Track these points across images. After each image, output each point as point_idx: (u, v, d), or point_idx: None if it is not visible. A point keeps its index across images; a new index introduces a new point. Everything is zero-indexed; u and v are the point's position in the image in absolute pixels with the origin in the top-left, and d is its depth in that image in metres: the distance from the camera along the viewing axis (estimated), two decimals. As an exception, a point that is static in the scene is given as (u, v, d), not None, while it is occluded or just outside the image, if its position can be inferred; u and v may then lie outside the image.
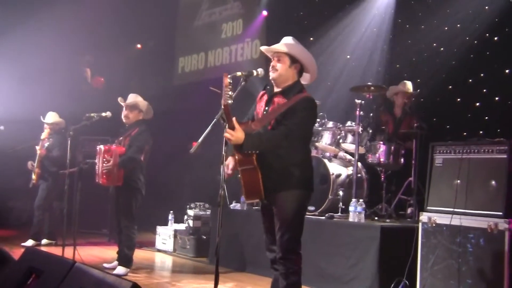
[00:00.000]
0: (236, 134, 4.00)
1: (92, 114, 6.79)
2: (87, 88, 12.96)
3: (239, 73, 4.21)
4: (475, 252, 4.85)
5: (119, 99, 7.00)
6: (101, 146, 6.72)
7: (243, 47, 10.99)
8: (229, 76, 3.97)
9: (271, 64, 4.41)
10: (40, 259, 4.12)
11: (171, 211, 9.13)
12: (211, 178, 9.62)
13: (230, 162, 4.31)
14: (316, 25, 9.60)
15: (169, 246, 8.69)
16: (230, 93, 3.89)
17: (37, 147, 8.74)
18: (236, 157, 4.20)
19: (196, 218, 8.48)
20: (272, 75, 4.38)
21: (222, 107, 3.91)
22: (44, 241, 8.76)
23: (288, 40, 4.47)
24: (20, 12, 11.02)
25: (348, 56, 9.44)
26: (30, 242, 8.50)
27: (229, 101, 3.90)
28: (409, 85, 7.49)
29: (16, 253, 5.74)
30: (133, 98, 7.03)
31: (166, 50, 13.08)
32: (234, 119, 4.02)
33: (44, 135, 8.77)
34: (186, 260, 8.14)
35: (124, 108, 6.96)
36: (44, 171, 8.75)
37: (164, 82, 12.92)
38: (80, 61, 13.31)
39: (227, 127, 4.00)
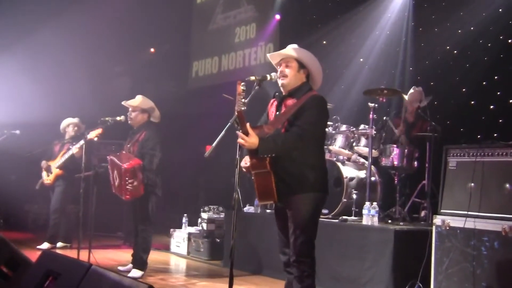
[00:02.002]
0: (250, 140, 4.01)
1: (106, 118, 6.83)
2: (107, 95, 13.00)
3: (252, 78, 4.24)
4: (490, 255, 4.83)
5: (124, 102, 7.02)
6: (118, 163, 6.56)
7: (256, 51, 11.03)
8: (242, 83, 3.99)
9: (280, 70, 4.44)
10: (57, 262, 4.16)
11: (185, 214, 9.17)
12: (225, 181, 9.65)
13: (247, 160, 4.34)
14: (329, 28, 9.62)
15: (183, 249, 8.74)
16: (243, 100, 3.92)
17: (74, 147, 8.55)
18: (250, 161, 4.22)
19: (210, 221, 8.51)
20: (281, 81, 4.40)
21: (236, 113, 3.94)
22: (59, 244, 8.81)
23: (294, 46, 4.52)
24: (38, 17, 11.13)
25: (362, 59, 9.44)
26: (45, 245, 8.57)
27: (243, 108, 3.92)
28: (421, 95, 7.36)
29: (33, 256, 5.79)
30: (137, 99, 7.02)
31: (180, 54, 13.14)
32: (248, 124, 4.03)
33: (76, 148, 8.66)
34: (200, 263, 8.17)
35: (129, 111, 6.98)
36: (66, 173, 8.73)
37: (178, 86, 12.99)
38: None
39: (241, 131, 4.02)
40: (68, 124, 9.00)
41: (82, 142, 8.54)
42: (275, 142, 4.16)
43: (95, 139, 7.76)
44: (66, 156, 8.66)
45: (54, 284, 3.95)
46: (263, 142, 4.07)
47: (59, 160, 8.72)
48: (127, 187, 6.47)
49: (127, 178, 6.44)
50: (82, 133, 8.76)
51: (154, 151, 6.70)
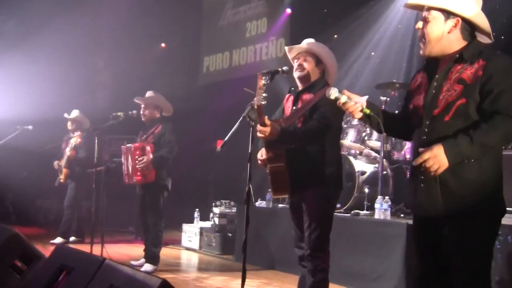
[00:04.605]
0: (269, 130, 4.03)
1: (118, 113, 6.85)
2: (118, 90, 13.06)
3: (264, 71, 4.24)
4: (503, 249, 4.81)
5: (136, 98, 7.05)
6: (130, 145, 6.77)
7: (267, 46, 11.00)
8: (263, 77, 3.99)
9: (298, 62, 4.44)
10: (71, 257, 4.18)
11: (197, 209, 9.19)
12: (236, 176, 9.66)
13: (263, 153, 4.35)
14: (340, 22, 9.58)
15: (195, 244, 8.76)
16: (264, 94, 3.92)
17: (67, 149, 8.80)
18: (267, 155, 4.24)
19: (221, 215, 8.53)
20: (298, 73, 4.41)
21: (255, 107, 3.94)
22: (72, 238, 8.87)
23: (312, 40, 4.52)
24: (50, 13, 11.16)
25: (373, 53, 9.40)
26: (58, 240, 8.62)
27: (262, 102, 3.92)
28: None
29: (46, 250, 5.82)
30: (149, 94, 7.08)
31: (190, 49, 13.14)
32: (265, 117, 4.06)
33: (74, 138, 8.79)
34: (212, 257, 8.19)
35: (142, 107, 7.02)
36: (72, 172, 8.85)
37: (189, 82, 12.99)
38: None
39: (259, 124, 4.03)
40: (67, 120, 9.06)
41: (72, 143, 8.66)
42: (295, 132, 4.21)
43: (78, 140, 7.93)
44: (65, 156, 8.76)
45: (67, 278, 3.97)
46: (284, 132, 4.11)
47: (64, 159, 8.81)
48: (138, 166, 6.56)
49: (137, 157, 6.59)
50: (87, 129, 8.83)
51: (172, 143, 6.79)
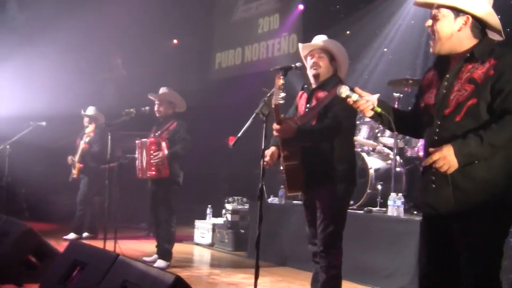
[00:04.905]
0: (285, 127, 4.06)
1: (131, 110, 6.86)
2: (123, 83, 13.11)
3: (277, 67, 4.23)
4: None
5: (150, 94, 7.07)
6: (145, 139, 6.79)
7: (280, 42, 10.98)
8: (282, 76, 3.98)
9: (313, 60, 4.43)
10: (84, 252, 4.21)
11: (209, 205, 9.20)
12: (249, 172, 9.66)
13: (271, 151, 4.36)
14: (353, 18, 9.55)
15: (208, 240, 8.77)
16: (282, 94, 3.92)
17: (82, 142, 8.88)
18: (283, 153, 4.24)
19: (234, 212, 8.53)
20: (314, 71, 4.40)
21: (273, 106, 3.94)
22: (85, 234, 8.91)
23: (324, 37, 4.52)
24: (61, 8, 11.20)
25: (385, 49, 9.36)
26: (71, 235, 8.67)
27: (280, 102, 3.92)
28: None
29: (59, 246, 5.85)
30: (163, 91, 7.09)
31: (202, 45, 13.14)
32: (282, 116, 4.10)
33: (89, 130, 8.90)
34: (225, 254, 8.20)
35: (156, 103, 7.03)
36: (86, 166, 8.91)
37: (201, 78, 12.99)
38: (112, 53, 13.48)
39: (275, 122, 4.05)
40: (84, 117, 9.12)
41: (85, 137, 8.72)
42: (312, 129, 4.24)
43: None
44: (79, 151, 8.81)
45: (81, 274, 3.99)
46: (301, 130, 4.14)
47: (78, 154, 8.87)
48: (152, 160, 6.58)
49: (152, 151, 6.60)
50: (101, 124, 8.89)
51: (187, 140, 6.81)
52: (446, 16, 3.03)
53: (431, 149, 2.90)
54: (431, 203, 3.06)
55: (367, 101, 3.24)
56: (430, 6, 3.14)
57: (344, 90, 3.29)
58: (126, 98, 10.90)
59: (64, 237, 8.56)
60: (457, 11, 3.02)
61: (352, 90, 3.29)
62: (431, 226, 3.14)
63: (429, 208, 3.09)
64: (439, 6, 3.06)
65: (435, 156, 2.85)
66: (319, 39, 4.49)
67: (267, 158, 4.29)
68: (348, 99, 3.28)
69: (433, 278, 3.12)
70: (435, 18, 3.06)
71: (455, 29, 3.02)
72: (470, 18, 3.02)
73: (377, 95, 3.28)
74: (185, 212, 9.03)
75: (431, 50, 3.14)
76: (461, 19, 3.01)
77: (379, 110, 3.23)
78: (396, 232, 5.92)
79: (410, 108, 3.60)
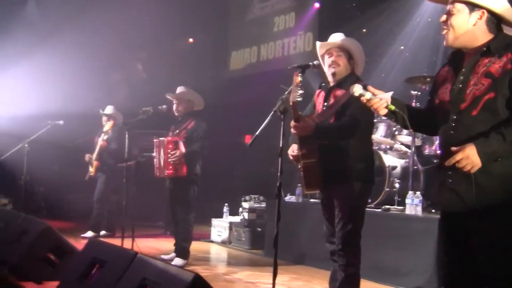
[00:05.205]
0: (303, 125, 4.07)
1: (148, 108, 6.88)
2: (139, 82, 13.16)
3: (295, 65, 4.22)
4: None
5: (167, 94, 7.08)
6: (163, 138, 6.81)
7: (295, 40, 10.97)
8: (299, 74, 3.98)
9: (332, 59, 4.41)
10: (103, 250, 4.23)
11: (226, 204, 9.21)
12: (265, 170, 9.65)
13: (294, 148, 4.36)
14: (369, 16, 9.51)
15: (224, 238, 8.79)
16: (300, 92, 3.91)
17: (99, 139, 8.92)
18: (300, 151, 4.23)
19: (251, 210, 8.54)
20: (333, 70, 4.40)
21: (291, 104, 3.95)
22: (102, 232, 8.96)
23: (341, 35, 4.51)
24: (78, 6, 11.26)
25: (402, 47, 9.31)
26: (89, 233, 8.72)
27: (298, 99, 3.92)
28: None
29: (76, 244, 5.88)
30: (180, 90, 7.09)
31: (218, 44, 13.16)
32: (300, 114, 4.11)
33: (107, 127, 8.94)
34: (241, 252, 8.21)
35: (174, 102, 7.04)
36: (103, 164, 8.96)
37: (217, 76, 13.01)
38: (133, 57, 13.53)
39: (293, 120, 4.05)
40: (102, 116, 9.16)
41: (103, 135, 8.77)
42: (330, 127, 4.25)
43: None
44: (97, 148, 8.86)
45: (100, 271, 4.01)
46: (319, 128, 4.14)
47: (95, 151, 8.91)
48: (170, 159, 6.60)
49: (169, 150, 6.63)
50: (119, 122, 8.93)
51: (204, 139, 6.83)
52: (461, 11, 3.01)
53: (453, 148, 2.87)
54: (450, 201, 3.03)
55: (381, 99, 3.23)
56: (444, 1, 3.13)
57: (357, 89, 3.28)
58: (141, 97, 10.93)
59: (82, 235, 8.62)
60: (472, 6, 3.00)
61: (365, 88, 3.27)
62: (450, 224, 3.12)
63: (448, 206, 3.07)
64: (454, 1, 3.04)
65: (458, 156, 2.83)
66: (337, 38, 4.48)
67: (294, 153, 4.29)
68: (362, 98, 3.27)
69: (455, 276, 3.11)
70: (449, 13, 3.05)
71: (470, 24, 3.00)
72: (486, 13, 3.00)
73: (390, 93, 3.26)
74: (202, 210, 9.05)
75: (444, 43, 3.13)
76: (476, 13, 3.00)
77: (393, 108, 3.21)
78: (414, 231, 5.89)
79: (424, 105, 3.59)
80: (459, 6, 3.03)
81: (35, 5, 11.91)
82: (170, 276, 3.24)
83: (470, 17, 3.00)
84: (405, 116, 3.24)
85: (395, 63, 9.21)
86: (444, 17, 3.08)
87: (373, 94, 3.24)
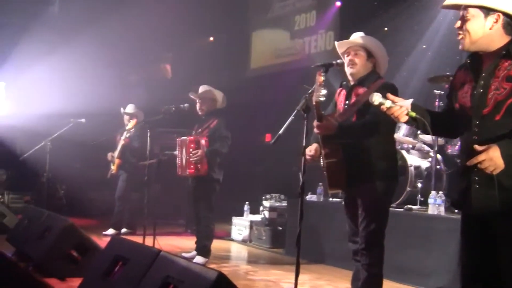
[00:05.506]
0: (326, 124, 4.06)
1: (170, 106, 6.90)
2: (167, 84, 13.23)
3: (318, 64, 4.21)
4: None
5: (190, 93, 7.09)
6: (185, 137, 6.84)
7: (316, 39, 10.92)
8: (322, 73, 3.97)
9: (349, 58, 4.40)
10: (126, 248, 4.25)
11: (247, 202, 9.21)
12: (286, 169, 9.64)
13: (314, 147, 4.35)
14: (391, 15, 9.43)
15: (245, 237, 8.79)
16: (323, 91, 3.91)
17: (122, 138, 8.96)
18: (323, 150, 4.22)
19: (272, 209, 8.53)
20: (350, 70, 4.38)
21: (314, 103, 3.94)
22: (123, 230, 9.00)
23: (361, 34, 4.50)
24: (101, 8, 11.34)
25: (424, 46, 9.24)
26: (111, 231, 8.77)
27: (321, 99, 3.92)
28: None
29: (99, 241, 5.92)
30: (203, 89, 7.10)
31: (238, 42, 13.15)
32: (323, 113, 4.10)
33: (130, 125, 8.98)
34: (262, 250, 8.21)
35: (197, 101, 7.05)
36: (125, 162, 9.00)
37: (237, 75, 13.01)
38: (161, 58, 13.61)
39: (316, 120, 4.04)
40: (123, 114, 9.21)
41: (125, 133, 8.81)
42: (353, 126, 4.23)
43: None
44: (119, 146, 8.91)
45: (123, 269, 4.03)
46: (342, 127, 4.13)
47: (117, 149, 8.96)
48: (192, 158, 6.62)
49: (191, 149, 6.64)
50: (140, 121, 8.96)
51: (226, 138, 6.83)
52: (475, 16, 2.98)
53: (476, 147, 2.85)
54: (475, 203, 3.00)
55: (401, 107, 3.21)
56: (457, 8, 3.10)
57: (376, 98, 3.26)
58: (162, 96, 10.97)
59: (104, 232, 8.67)
60: (487, 10, 2.97)
61: (384, 97, 3.25)
62: (472, 227, 3.09)
63: (472, 209, 3.04)
64: (467, 7, 3.01)
65: (481, 157, 2.81)
66: (355, 36, 4.47)
67: (311, 153, 4.27)
68: (382, 107, 3.25)
69: (476, 279, 3.08)
70: (464, 19, 3.02)
71: (486, 28, 2.97)
72: (501, 16, 2.96)
73: (410, 100, 3.24)
74: (223, 209, 9.07)
75: (460, 47, 3.09)
76: (492, 17, 2.96)
77: (413, 114, 3.20)
78: (436, 231, 5.85)
79: (442, 109, 3.56)
80: (473, 11, 3.00)
81: (58, 5, 12.01)
82: (193, 274, 3.24)
83: (486, 21, 2.97)
84: (426, 122, 3.23)
85: (417, 62, 9.14)
86: (458, 23, 3.05)
87: (393, 102, 3.22)
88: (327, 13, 10.78)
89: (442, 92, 6.78)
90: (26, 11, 11.68)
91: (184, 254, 6.98)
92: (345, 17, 10.29)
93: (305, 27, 11.36)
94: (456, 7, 3.10)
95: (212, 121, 6.92)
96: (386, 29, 9.48)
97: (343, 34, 4.48)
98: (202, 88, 7.08)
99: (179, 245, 8.13)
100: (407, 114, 3.20)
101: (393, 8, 9.45)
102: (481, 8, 2.98)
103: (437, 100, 6.74)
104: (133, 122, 8.97)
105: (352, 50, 4.42)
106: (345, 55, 4.46)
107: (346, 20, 10.15)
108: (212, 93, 7.06)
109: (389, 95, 3.25)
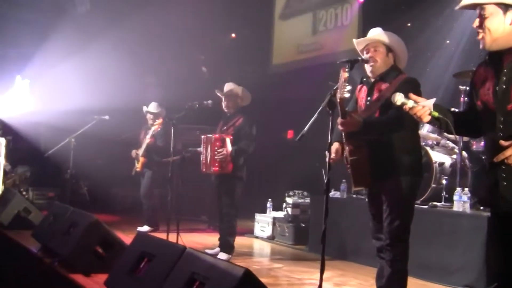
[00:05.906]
0: (350, 121, 4.04)
1: (194, 103, 6.91)
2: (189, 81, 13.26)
3: (344, 60, 4.20)
4: None
5: (217, 91, 7.10)
6: (211, 135, 6.86)
7: (339, 35, 10.86)
8: (347, 70, 3.96)
9: (369, 55, 4.38)
10: (152, 244, 4.27)
11: (270, 199, 9.21)
12: (309, 166, 9.61)
13: (335, 147, 4.33)
14: (414, 10, 9.35)
15: (268, 234, 8.79)
16: (347, 87, 3.90)
17: (147, 137, 8.99)
18: (348, 147, 4.20)
19: (295, 206, 8.53)
20: (370, 66, 4.36)
21: (338, 100, 3.93)
22: (145, 227, 9.04)
23: (379, 29, 4.46)
24: (126, 7, 11.41)
25: (448, 41, 9.16)
26: (145, 228, 8.85)
27: (346, 95, 3.91)
28: None
29: (122, 237, 5.95)
30: (229, 87, 7.11)
31: (260, 39, 13.13)
32: (347, 109, 4.08)
33: (156, 125, 8.98)
34: (285, 247, 8.21)
35: (223, 99, 7.06)
36: (150, 160, 9.04)
37: (259, 72, 13.00)
38: (197, 60, 13.69)
39: (340, 116, 4.02)
40: (146, 112, 9.24)
41: (150, 132, 8.84)
42: (378, 122, 4.20)
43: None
44: (144, 145, 8.95)
45: (149, 265, 4.06)
46: (367, 123, 4.10)
47: (142, 148, 9.00)
48: (216, 157, 6.65)
49: (216, 148, 6.67)
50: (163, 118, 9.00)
51: (252, 136, 6.84)
52: (494, 13, 2.97)
53: (502, 142, 2.82)
54: (503, 201, 2.97)
55: (423, 107, 3.19)
56: (472, 7, 3.08)
57: (399, 98, 3.26)
58: (184, 92, 11.00)
59: (139, 228, 8.74)
60: (505, 6, 2.96)
61: (406, 97, 3.23)
62: (500, 224, 3.06)
63: (500, 206, 3.01)
64: (483, 4, 3.00)
65: (508, 152, 2.78)
66: (373, 33, 4.45)
67: (332, 155, 4.26)
68: (404, 106, 3.24)
69: (503, 277, 3.05)
70: (482, 17, 3.00)
71: (506, 24, 2.95)
72: None
73: (433, 100, 3.23)
74: (246, 205, 9.08)
75: (481, 46, 3.07)
76: (511, 13, 2.94)
77: (436, 114, 3.18)
78: (462, 228, 5.80)
79: (464, 107, 3.53)
80: (491, 8, 2.99)
81: (84, 5, 12.11)
82: (219, 271, 3.25)
83: (506, 17, 2.96)
84: (449, 121, 3.20)
85: (442, 58, 9.06)
86: (477, 22, 3.04)
87: (415, 102, 3.20)
88: (349, 9, 10.71)
89: (467, 88, 6.71)
90: (53, 10, 11.79)
91: (207, 251, 7.00)
92: (368, 13, 10.23)
93: (329, 23, 11.29)
94: (473, 6, 3.08)
95: (237, 118, 6.93)
96: (409, 24, 9.40)
97: (366, 30, 4.44)
98: (227, 86, 7.08)
99: (202, 241, 8.16)
100: (430, 114, 3.19)
101: (417, 4, 9.38)
102: (499, 4, 2.96)
103: (462, 95, 6.66)
104: (158, 121, 8.99)
105: (371, 46, 4.40)
106: (364, 52, 4.44)
107: (368, 16, 10.10)
108: (237, 91, 7.06)
109: (412, 95, 3.23)
